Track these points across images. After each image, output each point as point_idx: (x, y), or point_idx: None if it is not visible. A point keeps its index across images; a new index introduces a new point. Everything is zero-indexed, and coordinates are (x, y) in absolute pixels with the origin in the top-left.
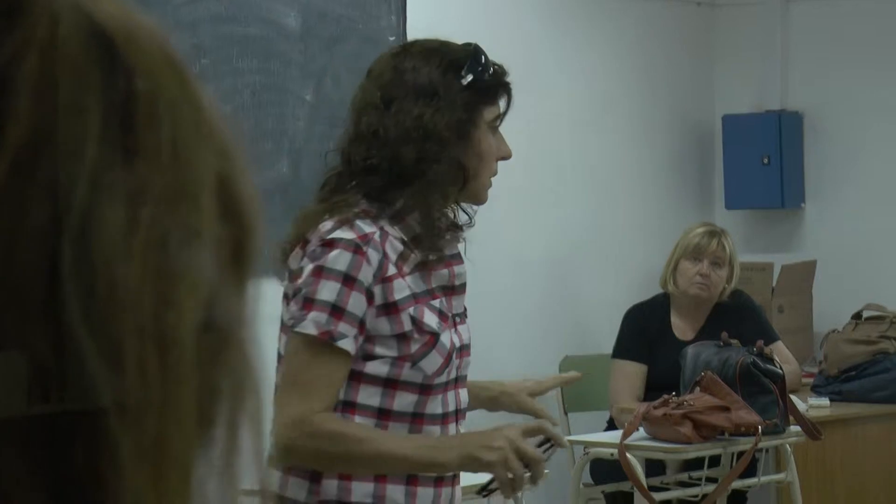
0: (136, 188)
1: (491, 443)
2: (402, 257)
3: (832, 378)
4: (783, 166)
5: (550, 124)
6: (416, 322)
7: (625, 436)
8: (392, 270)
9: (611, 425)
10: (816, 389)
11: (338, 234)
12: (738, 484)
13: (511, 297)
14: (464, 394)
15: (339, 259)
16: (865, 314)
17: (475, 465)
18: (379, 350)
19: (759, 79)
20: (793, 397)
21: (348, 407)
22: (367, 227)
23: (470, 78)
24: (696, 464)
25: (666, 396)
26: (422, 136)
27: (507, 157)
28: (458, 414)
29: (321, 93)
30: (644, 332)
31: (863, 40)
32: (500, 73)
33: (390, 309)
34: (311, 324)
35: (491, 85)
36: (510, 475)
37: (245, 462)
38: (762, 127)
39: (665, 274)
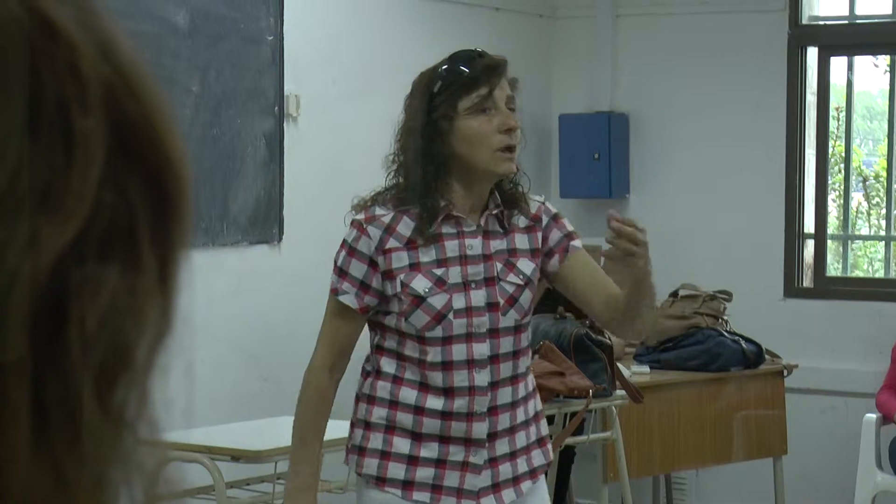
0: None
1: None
2: (415, 233)
3: (652, 348)
4: (611, 161)
5: None
6: (404, 286)
7: None
8: (394, 244)
9: None
10: (638, 358)
11: (356, 216)
12: (569, 441)
13: None
14: (480, 347)
15: (350, 234)
16: (681, 292)
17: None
18: (390, 307)
19: (592, 83)
20: (618, 365)
21: (379, 350)
22: (378, 210)
23: (439, 84)
24: None
25: None
26: (402, 148)
27: (505, 126)
28: (472, 363)
29: (206, 85)
30: None
31: (681, 52)
32: (472, 65)
33: (388, 275)
34: (331, 282)
35: (458, 80)
36: None
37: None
38: (593, 126)
39: None
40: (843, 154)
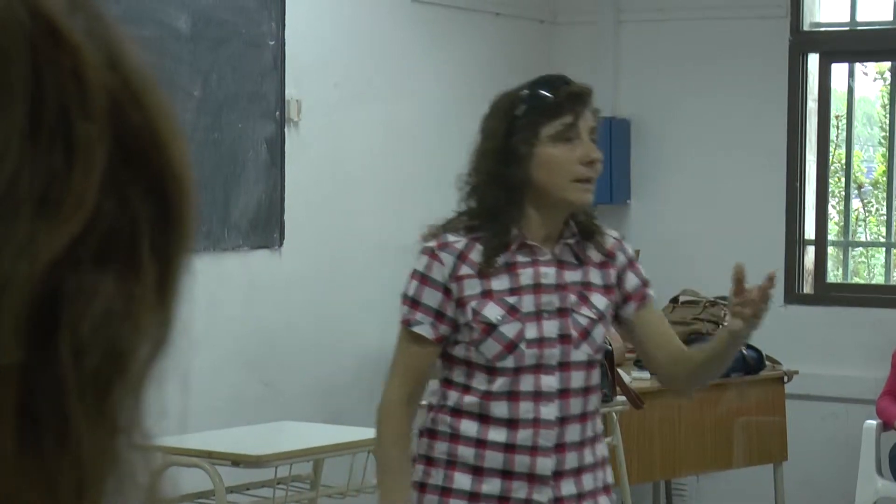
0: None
1: None
2: (487, 260)
3: None
4: (612, 166)
5: (410, 124)
6: (475, 313)
7: None
8: (466, 271)
9: None
10: (639, 364)
11: (427, 243)
12: None
13: (369, 276)
14: (548, 380)
15: (420, 262)
16: (682, 299)
17: None
18: (459, 336)
19: (593, 89)
20: (619, 370)
21: (446, 382)
22: (450, 237)
23: (522, 108)
24: None
25: None
26: (476, 170)
27: (587, 159)
28: (539, 396)
29: (207, 89)
30: None
31: (683, 58)
32: (557, 91)
33: (460, 302)
34: (401, 314)
35: (543, 106)
36: None
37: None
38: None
39: None
40: (844, 161)
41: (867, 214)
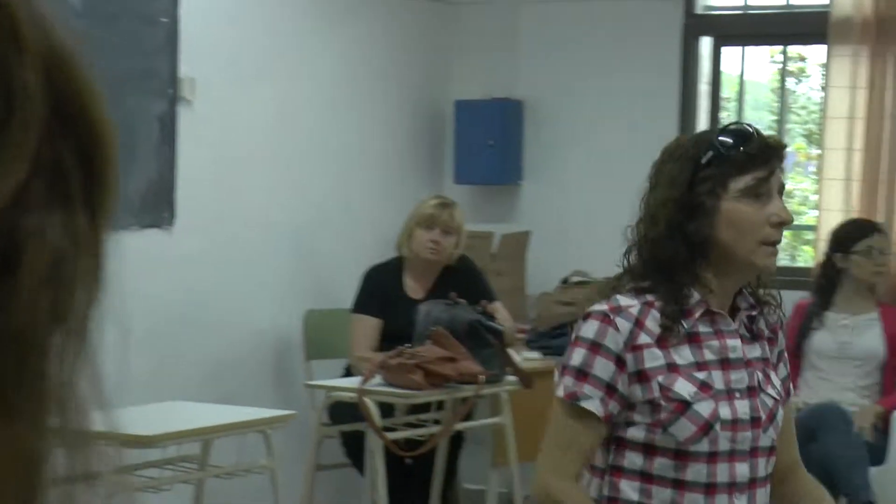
0: None
1: None
2: (665, 329)
3: (543, 334)
4: (505, 147)
5: (304, 104)
6: (664, 389)
7: (364, 382)
8: (645, 339)
9: (347, 372)
10: (530, 344)
11: (594, 306)
12: (459, 426)
13: (260, 256)
14: (742, 468)
15: (588, 328)
16: (572, 279)
17: None
18: (637, 416)
19: (490, 70)
20: (510, 351)
21: (615, 471)
22: (624, 300)
23: (710, 155)
24: (423, 407)
25: (400, 348)
26: (652, 220)
27: (779, 220)
28: (733, 487)
29: (100, 65)
30: (380, 290)
31: (579, 39)
32: (751, 141)
33: (641, 376)
34: (562, 387)
35: (734, 156)
36: None
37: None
38: (488, 112)
39: (400, 239)
40: None
41: None
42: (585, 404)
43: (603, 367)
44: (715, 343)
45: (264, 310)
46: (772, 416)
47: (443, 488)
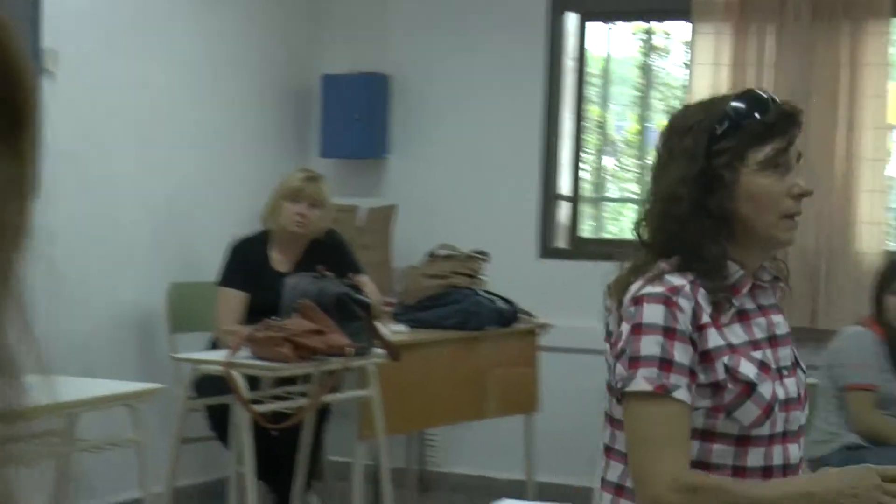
0: None
1: (854, 491)
2: (716, 308)
3: (410, 307)
4: (372, 121)
5: (168, 77)
6: (731, 371)
7: (231, 354)
8: (705, 319)
9: (213, 346)
10: (397, 317)
11: (647, 289)
12: (326, 398)
13: (124, 228)
14: (793, 449)
15: (651, 313)
16: (439, 252)
17: None
18: (699, 401)
19: (357, 44)
20: (377, 324)
21: None
22: (675, 280)
23: (726, 125)
24: (290, 380)
25: (267, 321)
26: (673, 197)
27: (799, 191)
28: (786, 469)
29: None
30: (246, 263)
31: (447, 14)
32: (764, 108)
33: (704, 357)
34: (643, 380)
35: (752, 125)
36: None
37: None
38: (355, 86)
39: (266, 212)
40: (599, 119)
41: (619, 171)
42: (678, 395)
43: (683, 352)
44: (762, 320)
45: (128, 282)
46: (807, 394)
47: (308, 461)
